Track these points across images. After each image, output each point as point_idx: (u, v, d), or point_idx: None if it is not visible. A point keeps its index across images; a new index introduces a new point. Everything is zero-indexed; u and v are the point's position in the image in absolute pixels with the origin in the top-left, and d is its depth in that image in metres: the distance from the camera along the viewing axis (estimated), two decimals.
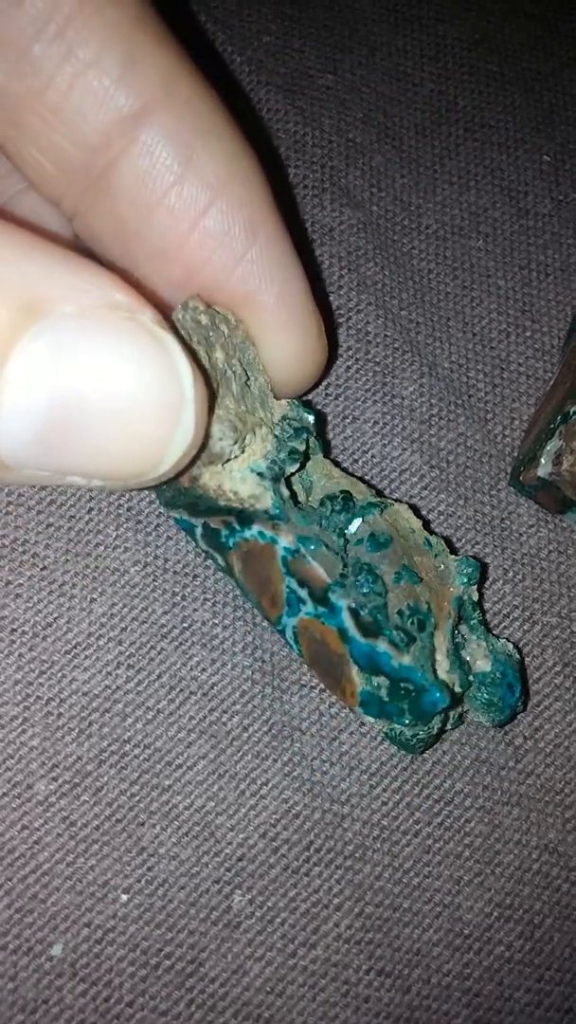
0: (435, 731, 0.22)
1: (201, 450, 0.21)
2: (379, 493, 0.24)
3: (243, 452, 0.21)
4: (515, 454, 0.27)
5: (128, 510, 0.24)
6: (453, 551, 0.25)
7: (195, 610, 0.24)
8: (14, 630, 0.23)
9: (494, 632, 0.25)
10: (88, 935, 0.21)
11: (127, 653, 0.23)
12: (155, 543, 0.24)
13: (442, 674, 0.21)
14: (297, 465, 0.22)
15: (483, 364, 0.28)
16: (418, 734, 0.22)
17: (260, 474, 0.21)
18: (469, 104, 0.31)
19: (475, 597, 0.23)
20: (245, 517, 0.21)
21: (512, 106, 0.31)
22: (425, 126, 0.30)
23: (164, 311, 0.19)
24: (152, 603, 0.23)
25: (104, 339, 0.15)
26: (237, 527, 0.21)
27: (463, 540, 0.26)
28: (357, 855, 0.23)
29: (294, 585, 0.21)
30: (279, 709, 0.23)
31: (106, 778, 0.22)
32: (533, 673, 0.25)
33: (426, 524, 0.23)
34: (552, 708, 0.24)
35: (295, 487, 0.22)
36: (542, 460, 0.25)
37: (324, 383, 0.26)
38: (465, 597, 0.22)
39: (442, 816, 0.23)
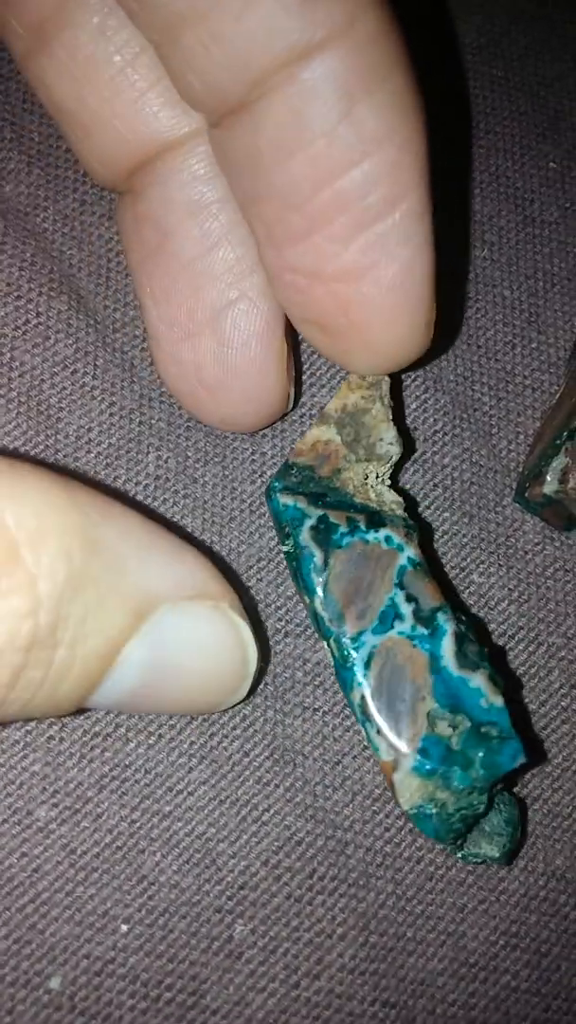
0: (480, 810, 0.20)
1: (358, 445, 0.22)
2: None
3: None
4: (520, 469, 0.27)
5: None
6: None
7: None
8: None
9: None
10: (87, 967, 0.21)
11: None
12: None
13: None
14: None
15: (488, 377, 0.27)
16: (462, 808, 0.20)
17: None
18: (474, 110, 0.30)
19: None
20: (377, 520, 0.21)
21: (518, 112, 0.30)
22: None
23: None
24: None
25: (194, 627, 0.18)
26: (362, 527, 0.21)
27: (468, 559, 0.25)
28: (360, 883, 0.22)
29: (400, 599, 0.20)
30: (281, 733, 0.23)
31: (107, 804, 0.22)
32: (539, 695, 0.24)
33: None
34: (559, 732, 0.24)
35: None
36: (548, 477, 0.25)
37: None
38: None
39: None
